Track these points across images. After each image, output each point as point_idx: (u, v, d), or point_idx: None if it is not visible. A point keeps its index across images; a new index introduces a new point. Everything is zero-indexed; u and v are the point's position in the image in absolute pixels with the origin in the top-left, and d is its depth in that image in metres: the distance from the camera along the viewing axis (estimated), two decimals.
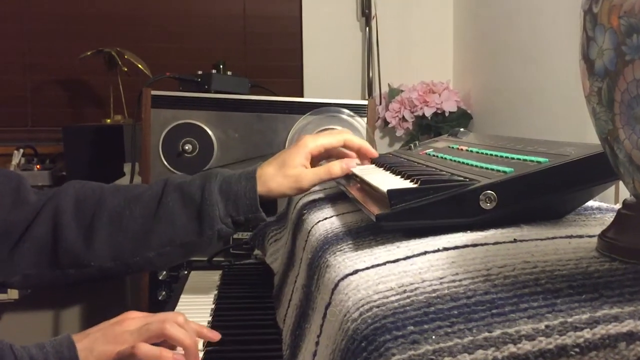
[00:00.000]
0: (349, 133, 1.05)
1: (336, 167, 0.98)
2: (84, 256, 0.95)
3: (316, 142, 1.01)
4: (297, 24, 2.45)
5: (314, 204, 0.99)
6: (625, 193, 0.54)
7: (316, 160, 1.03)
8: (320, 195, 1.07)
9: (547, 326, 0.41)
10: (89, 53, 2.29)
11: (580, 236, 0.60)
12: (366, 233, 0.72)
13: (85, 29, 2.48)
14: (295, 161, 0.98)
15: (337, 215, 0.86)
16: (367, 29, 2.32)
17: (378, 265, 0.58)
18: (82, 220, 0.96)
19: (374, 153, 1.04)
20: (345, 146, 1.03)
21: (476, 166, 0.75)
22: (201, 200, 0.96)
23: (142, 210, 0.97)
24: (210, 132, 1.64)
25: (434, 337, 0.41)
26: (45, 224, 0.96)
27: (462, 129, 1.13)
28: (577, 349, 0.39)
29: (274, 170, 0.98)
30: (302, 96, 2.38)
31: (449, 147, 0.99)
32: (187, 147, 1.63)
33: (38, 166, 2.22)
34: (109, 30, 2.49)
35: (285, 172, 0.97)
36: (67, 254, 0.95)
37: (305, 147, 1.00)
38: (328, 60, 2.39)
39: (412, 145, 1.14)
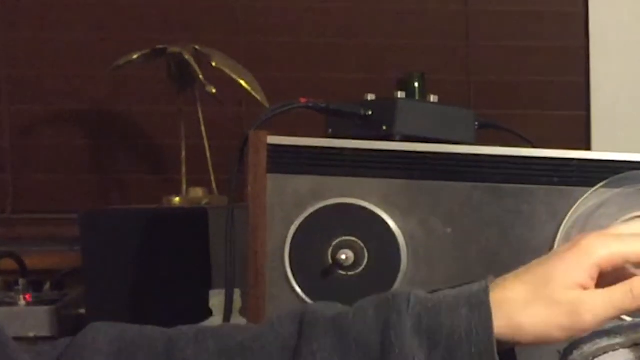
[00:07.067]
0: None
1: None
2: None
3: (610, 248, 1.10)
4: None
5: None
6: None
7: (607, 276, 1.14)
8: (613, 338, 1.17)
9: None
10: (134, 56, 2.46)
11: None
12: None
13: (124, 9, 2.71)
14: (568, 279, 1.08)
15: None
16: None
17: None
18: None
19: None
20: None
21: None
22: (381, 348, 1.07)
23: None
24: (392, 225, 1.77)
25: None
26: None
27: None
28: None
29: (526, 291, 1.09)
30: (588, 148, 2.49)
31: None
32: (342, 257, 1.72)
33: (27, 296, 2.33)
34: (176, 10, 2.71)
35: (549, 296, 1.07)
36: None
37: (591, 255, 1.09)
38: None
39: None
